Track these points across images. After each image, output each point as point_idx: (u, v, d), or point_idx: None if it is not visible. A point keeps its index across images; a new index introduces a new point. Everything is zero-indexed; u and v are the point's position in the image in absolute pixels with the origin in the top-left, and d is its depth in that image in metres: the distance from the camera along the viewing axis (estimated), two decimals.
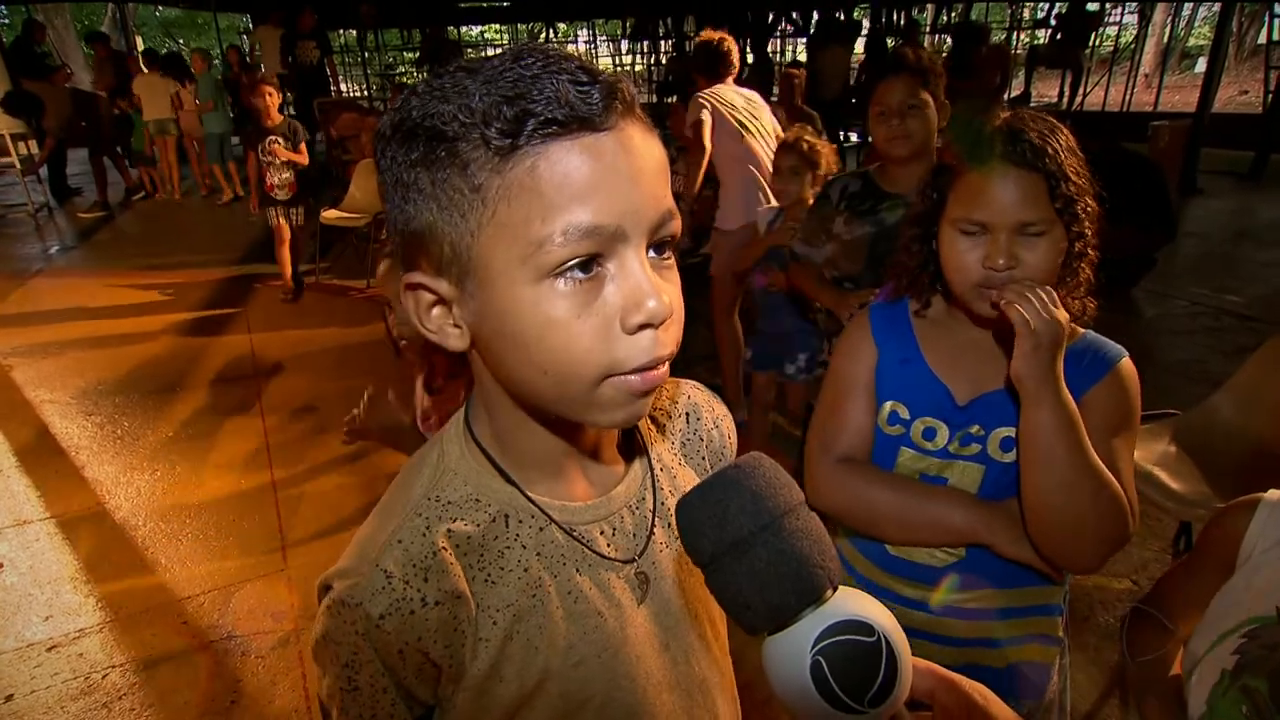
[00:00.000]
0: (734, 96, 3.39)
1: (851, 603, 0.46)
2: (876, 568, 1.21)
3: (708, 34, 3.42)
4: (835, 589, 0.46)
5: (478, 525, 0.61)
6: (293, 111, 10.26)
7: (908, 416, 1.14)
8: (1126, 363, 1.07)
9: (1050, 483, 0.98)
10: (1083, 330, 1.09)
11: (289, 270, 5.47)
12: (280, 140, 5.07)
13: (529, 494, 0.63)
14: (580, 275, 0.50)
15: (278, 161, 5.10)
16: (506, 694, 0.61)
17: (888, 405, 1.16)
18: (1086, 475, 0.96)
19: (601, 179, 0.49)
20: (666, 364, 0.54)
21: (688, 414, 0.78)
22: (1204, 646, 0.95)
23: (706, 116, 3.33)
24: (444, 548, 0.59)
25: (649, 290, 0.51)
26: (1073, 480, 0.96)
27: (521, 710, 0.62)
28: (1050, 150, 0.97)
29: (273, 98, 5.03)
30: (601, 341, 0.51)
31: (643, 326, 0.51)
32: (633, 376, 0.52)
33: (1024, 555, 1.04)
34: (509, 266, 0.50)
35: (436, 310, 0.56)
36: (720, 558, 0.46)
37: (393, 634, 0.57)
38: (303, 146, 5.14)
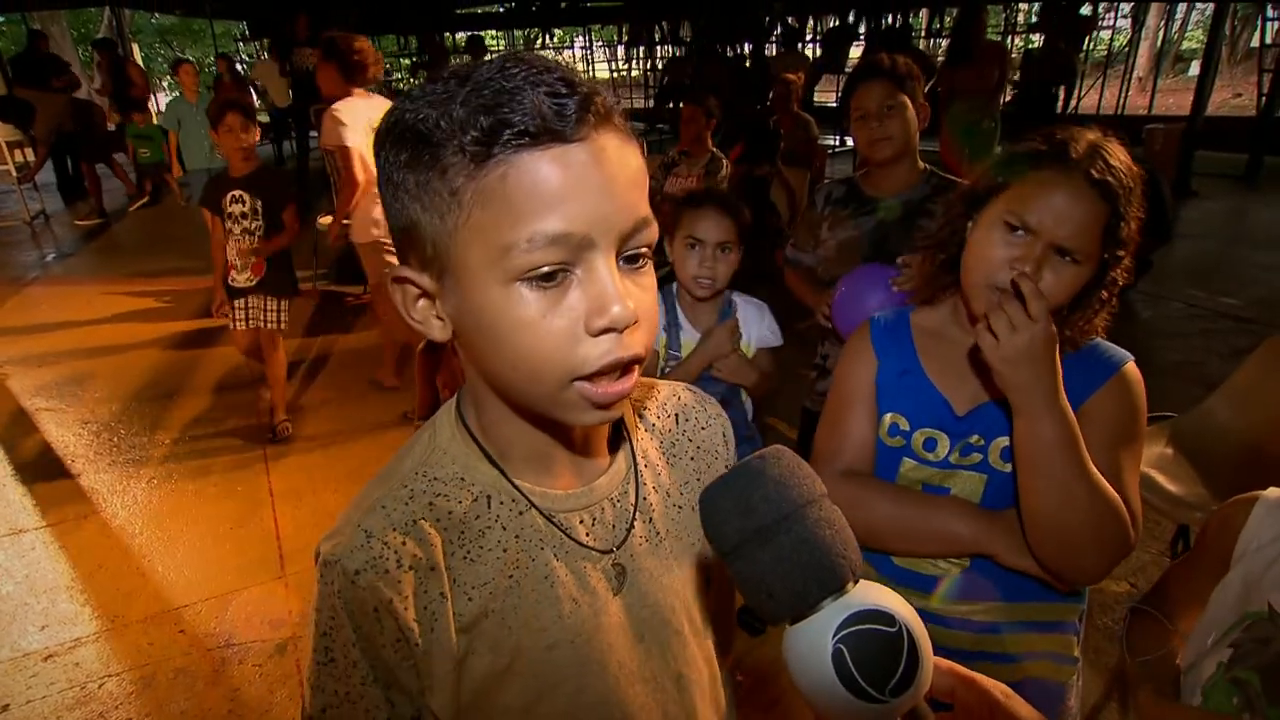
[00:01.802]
0: (374, 114, 3.24)
1: (873, 593, 0.46)
2: (882, 578, 1.20)
3: (343, 36, 3.29)
4: (857, 580, 0.47)
5: (460, 503, 0.64)
6: (290, 120, 10.25)
7: (908, 428, 1.14)
8: (1131, 367, 1.05)
9: (1042, 495, 0.96)
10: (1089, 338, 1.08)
11: (265, 401, 3.75)
12: (246, 198, 3.31)
13: (512, 479, 0.65)
14: (547, 280, 0.52)
15: (237, 230, 3.33)
16: (479, 668, 0.63)
17: (888, 417, 1.16)
18: (1081, 487, 0.94)
19: (570, 188, 0.51)
20: (634, 374, 0.57)
21: (677, 415, 0.80)
22: (1203, 642, 0.96)
23: (353, 141, 3.25)
24: (423, 519, 0.62)
25: (613, 296, 0.53)
26: (1066, 492, 0.94)
27: (494, 689, 0.64)
28: (1127, 187, 0.96)
29: (248, 134, 3.26)
30: (567, 342, 0.53)
31: (606, 330, 0.53)
32: (596, 388, 0.55)
33: (1027, 566, 1.03)
34: (481, 268, 0.53)
35: (422, 303, 0.59)
36: (744, 545, 0.47)
37: (367, 591, 0.59)
38: (291, 208, 3.39)
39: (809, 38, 13.92)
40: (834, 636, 0.44)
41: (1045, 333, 0.92)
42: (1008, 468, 1.06)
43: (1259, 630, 0.90)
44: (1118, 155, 0.98)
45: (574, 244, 0.51)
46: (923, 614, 1.15)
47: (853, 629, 0.44)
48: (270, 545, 2.81)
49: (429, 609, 0.61)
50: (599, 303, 0.52)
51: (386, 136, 0.55)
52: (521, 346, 0.53)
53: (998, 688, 0.50)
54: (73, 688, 2.18)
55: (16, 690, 2.17)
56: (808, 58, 10.67)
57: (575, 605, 0.65)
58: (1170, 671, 1.04)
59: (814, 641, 0.45)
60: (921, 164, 1.96)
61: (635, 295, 0.55)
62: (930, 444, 1.13)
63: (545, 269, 0.51)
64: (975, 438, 1.09)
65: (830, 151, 8.87)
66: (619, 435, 0.72)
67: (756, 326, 1.87)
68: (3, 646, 2.35)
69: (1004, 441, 1.07)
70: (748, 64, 12.07)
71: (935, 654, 1.22)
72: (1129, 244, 0.98)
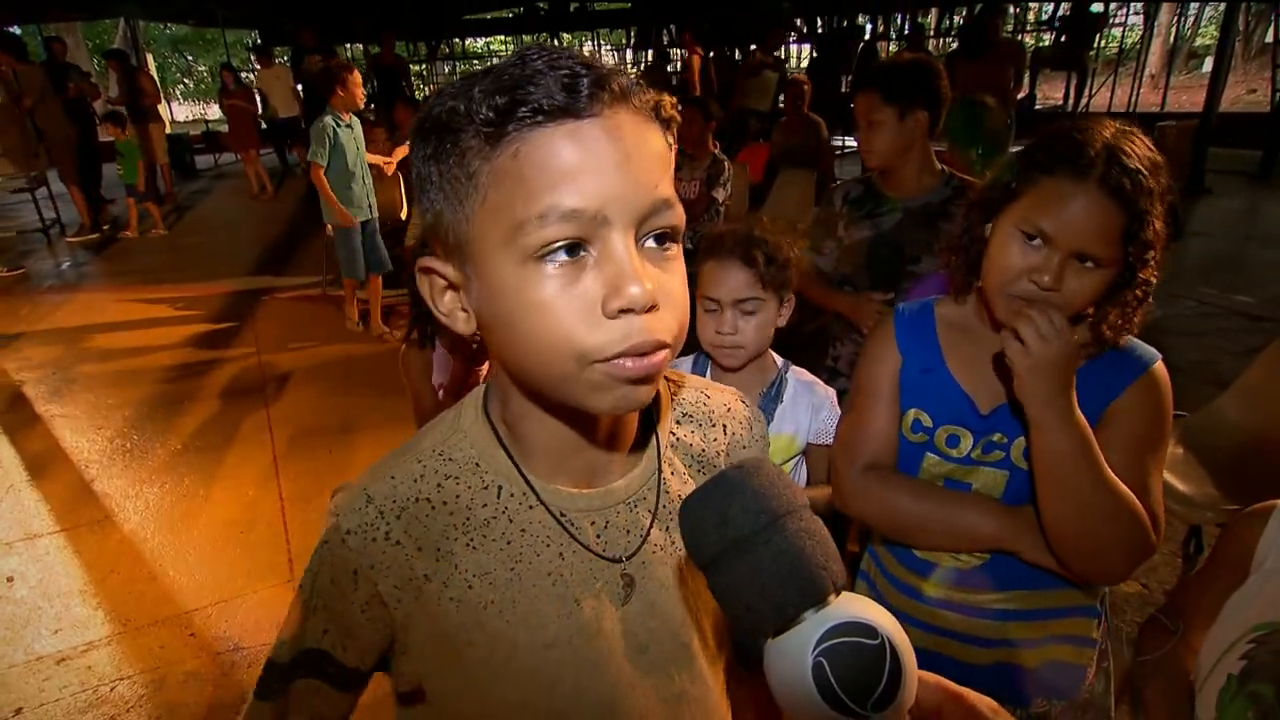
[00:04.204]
0: None
1: (854, 605, 0.45)
2: (905, 568, 1.22)
3: None
4: (839, 592, 0.46)
5: (470, 488, 0.64)
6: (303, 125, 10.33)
7: (931, 425, 1.15)
8: (1159, 367, 1.05)
9: (1064, 506, 0.97)
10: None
11: None
12: None
13: (526, 473, 0.64)
14: (562, 258, 0.51)
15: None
16: (476, 657, 0.63)
17: (911, 413, 1.17)
18: (1099, 494, 0.95)
19: (583, 164, 0.50)
20: (663, 351, 0.53)
21: (725, 426, 0.77)
22: (1217, 653, 0.94)
23: None
24: (427, 498, 0.63)
25: (631, 276, 0.50)
26: (1084, 500, 0.95)
27: (490, 680, 0.64)
28: (1145, 187, 0.93)
29: None
30: (583, 324, 0.51)
31: (624, 311, 0.51)
32: (625, 361, 0.52)
33: (1049, 562, 1.04)
34: (496, 249, 0.52)
35: (448, 295, 0.59)
36: (722, 557, 0.46)
37: (353, 552, 0.62)
38: None
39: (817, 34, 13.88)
40: (814, 649, 0.43)
41: (1071, 347, 0.92)
42: (1029, 465, 1.06)
43: (1275, 642, 0.88)
44: (1137, 151, 0.95)
45: (588, 220, 0.50)
46: (947, 606, 1.15)
47: (834, 641, 0.43)
48: (280, 549, 2.83)
49: (412, 583, 0.63)
50: (615, 283, 0.50)
51: (417, 133, 0.55)
52: (535, 329, 0.52)
53: (984, 703, 0.48)
54: (85, 691, 2.20)
55: (30, 693, 2.19)
56: (783, 63, 10.58)
57: (577, 606, 0.65)
58: (1180, 674, 1.02)
59: (794, 654, 0.44)
60: (939, 165, 1.96)
61: (657, 278, 0.53)
62: (953, 440, 1.13)
63: (558, 244, 0.50)
64: (998, 435, 1.10)
65: (837, 153, 8.84)
66: (646, 438, 0.70)
67: (811, 418, 1.48)
68: (16, 650, 2.37)
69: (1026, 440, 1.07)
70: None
71: (961, 642, 1.21)
72: (1155, 242, 0.96)
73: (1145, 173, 0.93)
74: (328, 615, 0.65)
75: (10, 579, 2.72)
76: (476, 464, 0.64)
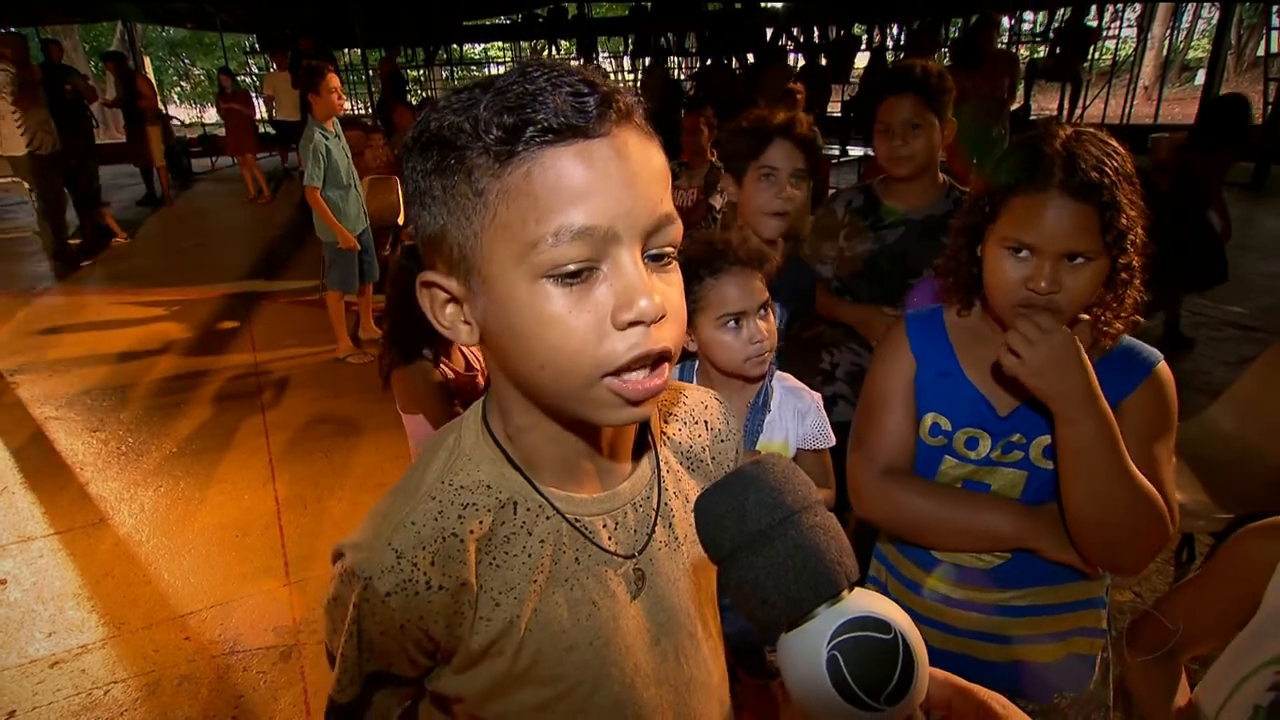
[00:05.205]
0: None
1: (868, 600, 0.46)
2: (921, 570, 1.23)
3: None
4: (852, 588, 0.47)
5: (489, 510, 0.64)
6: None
7: (949, 428, 1.17)
8: (1163, 366, 1.08)
9: (1087, 496, 0.99)
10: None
11: None
12: None
13: (537, 485, 0.65)
14: (574, 274, 0.52)
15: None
16: (500, 669, 0.64)
17: (929, 417, 1.18)
18: (1123, 487, 0.98)
19: (594, 183, 0.51)
20: (665, 371, 0.56)
21: (706, 422, 0.80)
22: (1237, 677, 0.92)
23: None
24: (454, 533, 0.62)
25: (640, 289, 0.53)
26: (1107, 491, 0.98)
27: (512, 687, 0.65)
28: (1107, 181, 0.97)
29: None
30: (594, 336, 0.53)
31: (634, 324, 0.53)
32: (626, 385, 0.54)
33: (1070, 559, 1.06)
34: (507, 265, 0.53)
35: (450, 308, 0.59)
36: (739, 551, 0.47)
37: (397, 610, 0.60)
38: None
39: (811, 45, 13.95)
40: (829, 643, 0.44)
41: (1063, 339, 0.95)
42: (1049, 465, 1.09)
43: None
44: (1091, 150, 0.98)
45: (599, 238, 0.51)
46: (967, 606, 1.17)
47: (848, 635, 0.44)
48: (275, 553, 2.83)
49: (455, 620, 0.63)
50: (626, 296, 0.52)
51: (413, 146, 0.56)
52: (549, 343, 0.53)
53: (994, 699, 0.49)
54: (79, 694, 2.19)
55: (23, 697, 2.19)
56: (791, 69, 10.60)
57: (595, 609, 0.66)
58: (1175, 675, 1.03)
59: (809, 648, 0.44)
60: (941, 177, 1.94)
61: (662, 291, 0.55)
62: (972, 443, 1.15)
63: (571, 266, 0.51)
64: (1017, 436, 1.12)
65: (833, 162, 8.88)
66: (644, 439, 0.72)
67: (798, 425, 1.48)
68: (10, 653, 2.36)
69: (1045, 440, 1.09)
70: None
71: (982, 640, 1.22)
72: (1131, 228, 0.99)
73: (1104, 165, 0.97)
74: (381, 659, 0.64)
75: (4, 581, 2.71)
76: (487, 485, 0.64)
